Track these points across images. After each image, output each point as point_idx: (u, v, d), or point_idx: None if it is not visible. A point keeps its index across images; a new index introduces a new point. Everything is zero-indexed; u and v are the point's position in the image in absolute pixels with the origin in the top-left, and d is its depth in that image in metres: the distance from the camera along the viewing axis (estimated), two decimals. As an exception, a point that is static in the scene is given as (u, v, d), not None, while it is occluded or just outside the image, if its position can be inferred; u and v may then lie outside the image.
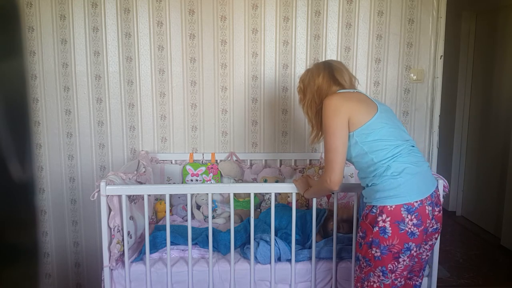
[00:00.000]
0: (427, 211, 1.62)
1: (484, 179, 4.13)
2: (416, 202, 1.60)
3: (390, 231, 1.60)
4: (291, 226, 2.09)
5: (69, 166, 2.85)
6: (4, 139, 0.65)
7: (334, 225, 2.06)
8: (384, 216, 1.60)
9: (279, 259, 2.12)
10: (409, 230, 1.59)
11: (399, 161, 1.64)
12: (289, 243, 2.12)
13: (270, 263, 2.08)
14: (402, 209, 1.59)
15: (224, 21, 2.77)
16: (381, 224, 1.61)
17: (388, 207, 1.60)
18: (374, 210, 1.64)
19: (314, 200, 2.09)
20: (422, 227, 1.61)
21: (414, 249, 1.62)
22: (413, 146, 1.72)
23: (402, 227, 1.59)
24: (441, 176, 2.06)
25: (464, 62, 4.33)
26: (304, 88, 1.89)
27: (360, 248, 1.70)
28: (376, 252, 1.62)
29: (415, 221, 1.59)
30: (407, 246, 1.60)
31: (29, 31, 2.72)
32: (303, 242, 2.25)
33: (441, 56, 2.83)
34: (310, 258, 2.10)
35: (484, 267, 3.34)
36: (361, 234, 1.71)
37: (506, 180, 3.67)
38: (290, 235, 2.09)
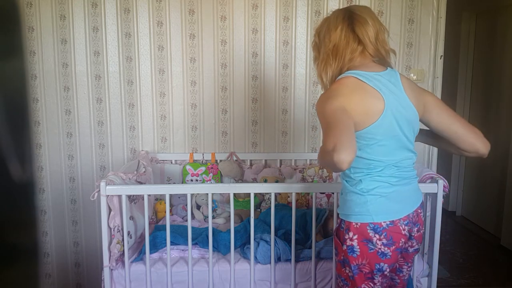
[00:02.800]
0: (403, 232, 1.46)
1: (484, 179, 4.12)
2: (385, 222, 1.43)
3: (359, 250, 1.45)
4: (291, 226, 2.09)
5: (69, 166, 2.85)
6: (4, 139, 0.65)
7: (334, 225, 2.06)
8: (351, 234, 1.46)
9: (279, 259, 2.12)
10: (379, 250, 1.43)
11: (374, 179, 1.45)
12: (289, 242, 2.12)
13: (270, 263, 2.08)
14: (367, 228, 1.43)
15: (224, 21, 2.77)
16: (348, 242, 1.46)
17: (354, 224, 1.45)
18: (343, 225, 1.50)
19: (314, 200, 2.10)
20: (394, 247, 1.44)
21: (388, 269, 1.47)
22: (398, 166, 1.47)
23: (371, 246, 1.44)
24: (441, 176, 2.06)
25: (464, 62, 4.33)
26: (319, 43, 1.54)
27: (335, 265, 1.58)
28: (349, 272, 1.49)
29: (384, 241, 1.43)
30: (378, 267, 1.45)
31: (29, 31, 2.72)
32: (303, 242, 2.25)
33: (441, 56, 2.83)
34: (310, 258, 2.10)
35: (484, 267, 3.33)
36: (334, 251, 1.58)
37: (506, 180, 3.67)
38: (290, 234, 2.09)
